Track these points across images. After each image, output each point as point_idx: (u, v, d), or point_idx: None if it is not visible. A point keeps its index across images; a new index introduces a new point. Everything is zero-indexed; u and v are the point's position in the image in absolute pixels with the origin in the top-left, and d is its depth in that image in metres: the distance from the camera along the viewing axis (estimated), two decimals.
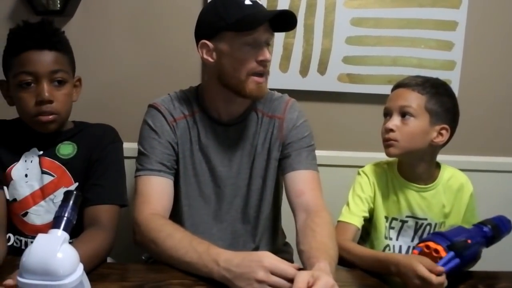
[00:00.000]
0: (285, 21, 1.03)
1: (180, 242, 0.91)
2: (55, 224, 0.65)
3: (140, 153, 1.08)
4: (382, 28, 1.51)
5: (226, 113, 1.10)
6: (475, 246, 0.94)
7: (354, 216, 1.15)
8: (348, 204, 1.17)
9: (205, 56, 1.05)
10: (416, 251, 0.94)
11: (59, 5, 1.44)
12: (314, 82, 1.52)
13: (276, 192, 1.19)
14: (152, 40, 1.52)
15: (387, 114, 1.15)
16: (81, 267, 0.65)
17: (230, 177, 1.12)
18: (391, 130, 1.10)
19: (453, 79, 1.54)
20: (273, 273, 0.78)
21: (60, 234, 0.64)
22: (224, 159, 1.12)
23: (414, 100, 1.10)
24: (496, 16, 1.55)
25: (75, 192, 0.69)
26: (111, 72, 1.54)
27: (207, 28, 1.05)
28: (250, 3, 1.01)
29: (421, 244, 0.94)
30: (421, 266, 0.86)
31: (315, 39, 1.51)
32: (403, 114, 1.11)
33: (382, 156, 1.28)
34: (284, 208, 1.20)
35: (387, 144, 1.12)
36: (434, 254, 0.91)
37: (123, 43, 1.52)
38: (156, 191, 1.04)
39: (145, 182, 1.04)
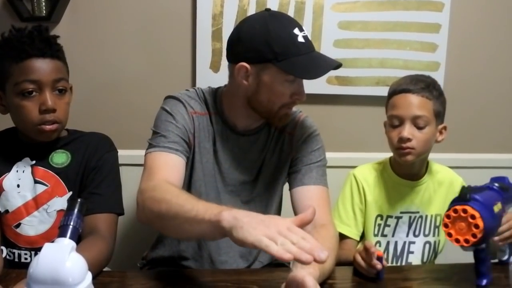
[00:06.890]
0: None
1: (187, 199, 0.85)
2: (61, 233, 0.64)
3: (154, 134, 1.02)
4: (369, 31, 1.54)
5: (242, 125, 1.09)
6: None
7: (350, 228, 1.17)
8: (338, 211, 1.19)
9: (239, 78, 1.00)
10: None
11: (45, 11, 1.42)
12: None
13: (279, 205, 1.18)
14: (141, 44, 1.51)
15: (398, 122, 1.12)
16: (89, 275, 0.64)
17: (235, 184, 1.10)
18: (408, 140, 1.10)
19: (438, 80, 1.53)
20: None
21: (67, 243, 0.63)
22: (232, 165, 1.09)
23: (426, 108, 1.10)
24: (477, 18, 1.60)
25: (79, 200, 0.68)
26: (100, 79, 1.52)
27: (252, 53, 0.98)
28: (303, 40, 0.97)
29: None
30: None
31: None
32: (417, 122, 1.10)
33: (372, 156, 1.31)
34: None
35: (403, 152, 1.11)
36: (471, 220, 0.84)
37: (112, 49, 1.51)
38: (167, 165, 0.97)
39: (155, 157, 0.97)
